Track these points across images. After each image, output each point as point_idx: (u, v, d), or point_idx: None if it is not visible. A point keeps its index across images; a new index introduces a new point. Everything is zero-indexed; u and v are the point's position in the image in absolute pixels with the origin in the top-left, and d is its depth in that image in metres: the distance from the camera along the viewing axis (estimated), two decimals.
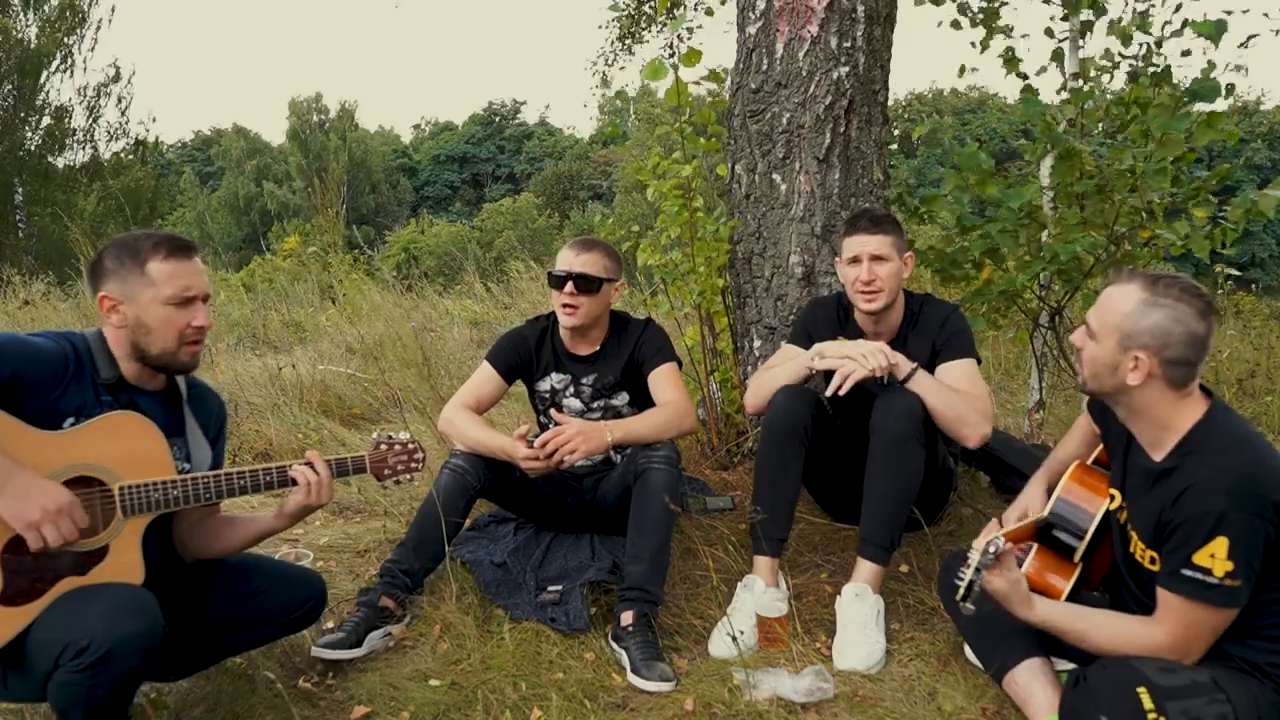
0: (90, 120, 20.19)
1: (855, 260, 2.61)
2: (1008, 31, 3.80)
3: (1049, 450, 2.42)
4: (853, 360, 2.41)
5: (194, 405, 2.06)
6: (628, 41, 11.97)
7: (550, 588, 2.57)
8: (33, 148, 19.50)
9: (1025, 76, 3.80)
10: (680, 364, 2.80)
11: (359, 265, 9.60)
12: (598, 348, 2.80)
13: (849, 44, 3.25)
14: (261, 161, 47.90)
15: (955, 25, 3.88)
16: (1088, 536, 2.01)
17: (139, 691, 1.99)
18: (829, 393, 2.42)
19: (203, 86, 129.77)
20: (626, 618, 2.35)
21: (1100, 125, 3.63)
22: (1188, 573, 1.72)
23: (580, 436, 2.46)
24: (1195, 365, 1.77)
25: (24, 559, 1.75)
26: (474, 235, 31.75)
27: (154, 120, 40.91)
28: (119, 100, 20.52)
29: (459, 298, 8.09)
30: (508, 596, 2.58)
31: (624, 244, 3.68)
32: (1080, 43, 3.86)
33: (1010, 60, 3.79)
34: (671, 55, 3.22)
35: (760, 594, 2.44)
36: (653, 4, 11.09)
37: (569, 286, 2.65)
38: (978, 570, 1.81)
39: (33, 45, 19.01)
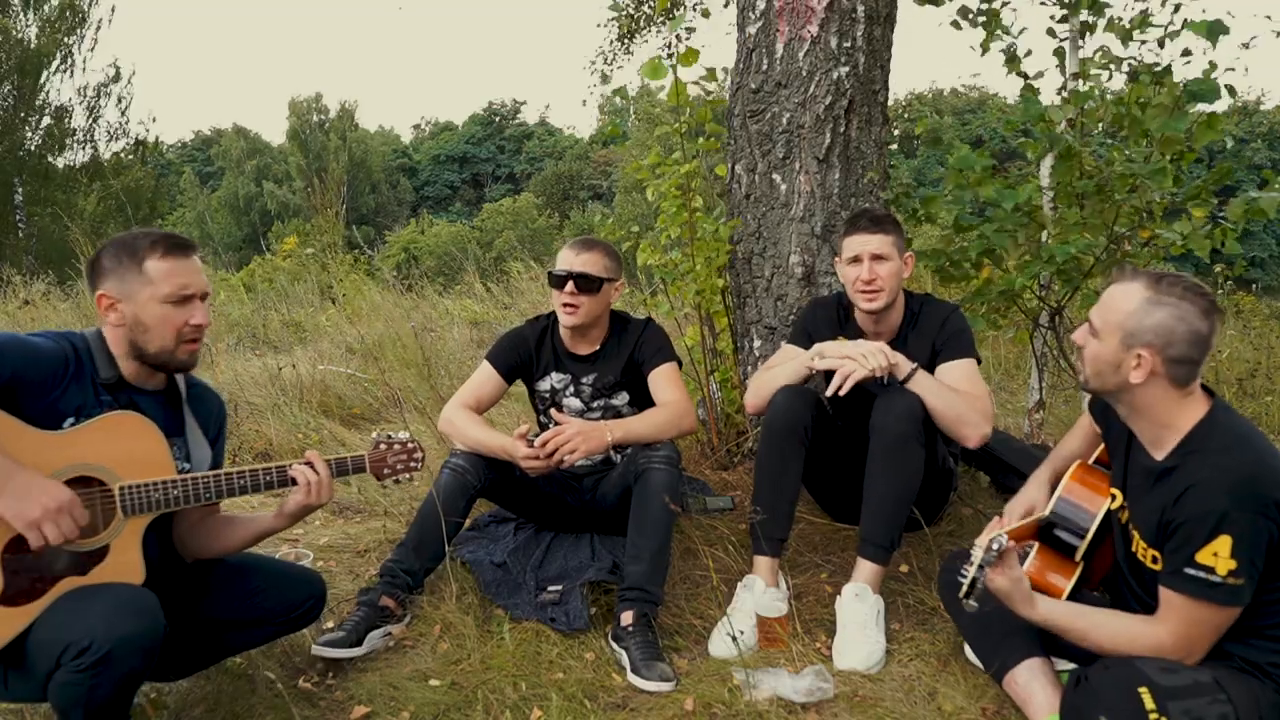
0: (90, 120, 20.21)
1: (856, 260, 2.61)
2: (1008, 30, 3.80)
3: (1049, 450, 2.42)
4: (853, 360, 2.41)
5: (193, 405, 2.06)
6: (627, 41, 11.98)
7: (550, 588, 2.57)
8: (33, 148, 19.52)
9: (1026, 76, 3.80)
10: (680, 364, 2.80)
11: (359, 265, 9.60)
12: (598, 347, 2.80)
13: (849, 44, 3.25)
14: (261, 161, 47.92)
15: (955, 25, 3.88)
16: (1089, 536, 2.01)
17: (139, 691, 1.99)
18: (829, 393, 2.42)
19: (203, 86, 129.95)
20: (626, 618, 2.35)
21: (1100, 125, 3.63)
22: (1190, 571, 1.72)
23: (580, 436, 2.46)
24: (1198, 364, 1.77)
25: (25, 559, 1.75)
26: (474, 235, 31.74)
27: (154, 120, 41.02)
28: (119, 100, 20.57)
29: (459, 298, 8.09)
30: (508, 596, 2.58)
31: (624, 244, 3.68)
32: (1080, 43, 3.86)
33: (1011, 58, 3.78)
34: (670, 56, 3.23)
35: (760, 594, 2.44)
36: (651, 3, 11.10)
37: (569, 286, 2.65)
38: (981, 567, 1.81)
39: (33, 45, 19.02)
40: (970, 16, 3.81)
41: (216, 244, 32.02)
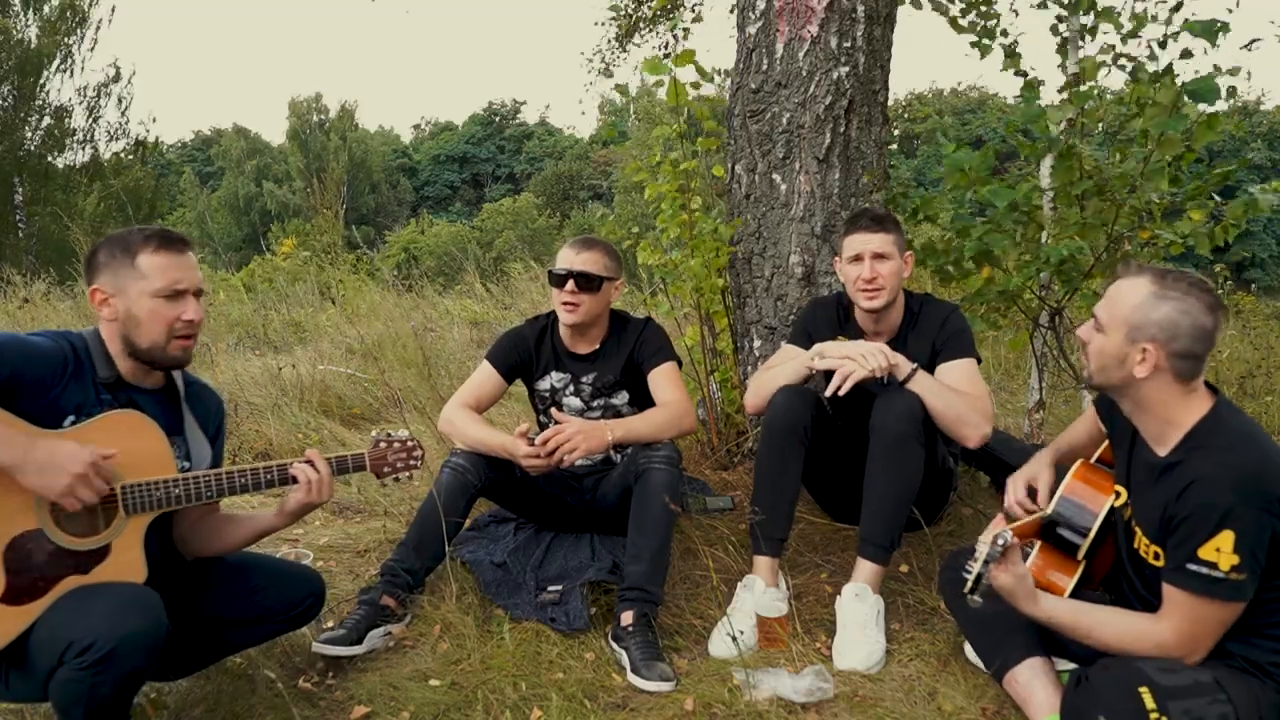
0: (90, 120, 20.18)
1: (857, 258, 2.61)
2: (1005, 34, 3.80)
3: None
4: (853, 360, 2.41)
5: (192, 403, 2.06)
6: (624, 41, 11.97)
7: (550, 588, 2.57)
8: (33, 148, 19.50)
9: (1025, 75, 3.80)
10: (680, 363, 2.80)
11: (359, 265, 9.60)
12: (597, 346, 2.80)
13: (849, 44, 3.25)
14: (261, 161, 47.91)
15: (955, 26, 3.88)
16: (1091, 534, 2.01)
17: (139, 691, 1.99)
18: (829, 393, 2.42)
19: (203, 86, 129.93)
20: (626, 618, 2.35)
21: (1100, 125, 3.63)
22: (1193, 567, 1.71)
23: (581, 435, 2.46)
24: (1201, 359, 1.78)
25: (26, 558, 1.75)
26: (474, 235, 31.73)
27: (154, 120, 40.93)
28: (119, 100, 20.52)
29: (459, 298, 8.10)
30: (508, 596, 2.58)
31: (624, 244, 3.68)
32: (1080, 43, 3.86)
33: (1011, 55, 3.78)
34: (667, 56, 3.23)
35: (760, 594, 2.44)
36: (650, 3, 11.10)
37: (570, 285, 2.66)
38: (986, 563, 1.81)
39: (33, 45, 19.00)
40: (970, 24, 3.81)
41: (216, 244, 32.03)
